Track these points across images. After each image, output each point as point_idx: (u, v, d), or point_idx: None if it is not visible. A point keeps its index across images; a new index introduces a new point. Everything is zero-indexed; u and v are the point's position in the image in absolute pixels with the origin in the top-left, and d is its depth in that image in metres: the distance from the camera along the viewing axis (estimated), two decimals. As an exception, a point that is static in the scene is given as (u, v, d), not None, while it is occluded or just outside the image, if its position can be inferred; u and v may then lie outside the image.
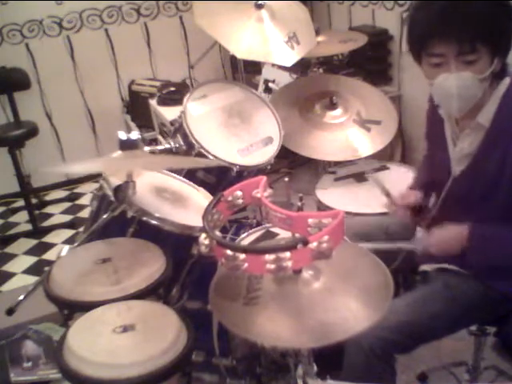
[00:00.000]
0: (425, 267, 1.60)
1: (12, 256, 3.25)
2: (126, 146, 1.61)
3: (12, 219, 3.70)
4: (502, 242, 1.43)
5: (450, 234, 1.48)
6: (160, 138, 3.15)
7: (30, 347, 2.02)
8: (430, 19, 1.34)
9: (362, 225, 1.71)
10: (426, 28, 1.36)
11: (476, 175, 1.46)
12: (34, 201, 3.70)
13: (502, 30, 1.33)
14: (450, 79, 1.34)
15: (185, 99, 2.02)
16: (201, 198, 1.90)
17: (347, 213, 1.91)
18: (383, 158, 2.34)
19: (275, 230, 1.74)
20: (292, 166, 3.65)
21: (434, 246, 1.50)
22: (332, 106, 2.35)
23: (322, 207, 2.04)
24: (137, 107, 3.77)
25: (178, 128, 2.03)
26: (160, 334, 1.24)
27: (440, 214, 1.60)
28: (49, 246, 3.31)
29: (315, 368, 1.19)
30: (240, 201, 1.18)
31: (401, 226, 1.71)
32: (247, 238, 1.74)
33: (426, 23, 1.36)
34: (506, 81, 1.41)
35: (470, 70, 1.33)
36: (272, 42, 2.24)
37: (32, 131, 3.40)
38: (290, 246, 0.96)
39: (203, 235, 1.05)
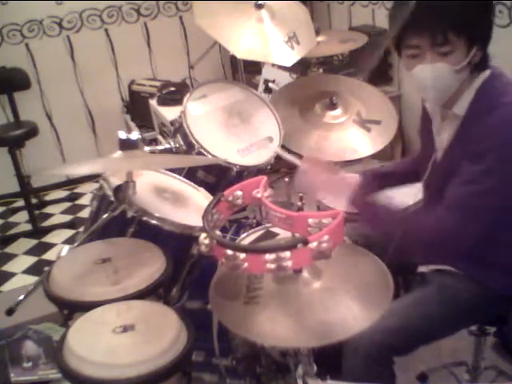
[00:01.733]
0: (422, 269, 1.59)
1: (12, 256, 3.25)
2: (126, 145, 1.61)
3: (12, 219, 3.70)
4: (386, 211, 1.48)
5: (339, 180, 1.56)
6: (160, 137, 3.15)
7: (30, 347, 2.02)
8: (405, 11, 1.35)
9: (363, 233, 1.70)
10: (401, 20, 1.37)
11: (447, 164, 1.47)
12: (34, 201, 3.70)
13: (476, 21, 1.33)
14: (425, 70, 1.37)
15: (185, 99, 2.02)
16: (201, 197, 1.90)
17: (347, 213, 1.90)
18: (383, 158, 2.34)
19: (275, 230, 1.74)
20: (292, 166, 3.65)
21: (321, 179, 1.58)
22: (332, 105, 2.34)
23: (321, 207, 2.04)
24: (137, 107, 3.77)
25: (178, 128, 2.03)
26: (160, 333, 1.24)
27: (424, 204, 1.63)
28: (49, 246, 3.31)
29: (315, 368, 1.19)
30: (240, 201, 1.18)
31: None
32: (247, 238, 1.74)
33: (401, 15, 1.37)
34: (486, 73, 1.41)
35: (445, 62, 1.34)
36: (272, 42, 2.24)
37: (32, 131, 3.40)
38: (290, 246, 0.96)
39: (203, 235, 1.05)
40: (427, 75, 1.37)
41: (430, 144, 1.58)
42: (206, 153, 1.90)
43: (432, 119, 1.56)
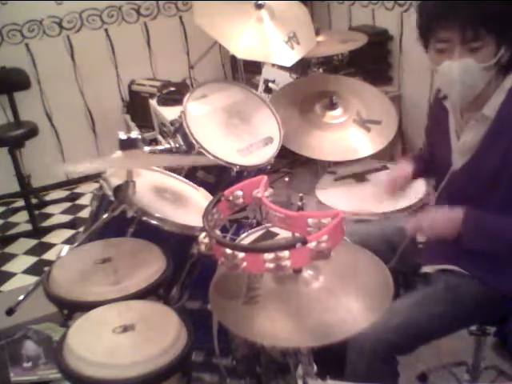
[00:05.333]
0: (426, 269, 1.59)
1: (12, 256, 3.25)
2: (126, 145, 1.61)
3: (12, 219, 3.70)
4: (497, 227, 1.42)
5: (444, 217, 1.46)
6: (160, 138, 3.15)
7: (30, 347, 2.02)
8: (436, 5, 1.36)
9: (361, 233, 1.70)
10: (432, 13, 1.38)
11: (477, 168, 1.46)
12: (34, 201, 3.70)
13: (508, 18, 1.33)
14: (453, 66, 1.35)
15: (185, 99, 2.02)
16: (201, 198, 1.90)
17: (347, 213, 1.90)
18: (383, 157, 2.34)
19: (275, 230, 1.74)
20: (292, 166, 3.65)
21: (426, 225, 1.49)
22: (332, 105, 2.34)
23: (321, 207, 2.04)
24: (137, 107, 3.77)
25: (178, 128, 2.03)
26: (160, 333, 1.24)
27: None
28: (49, 246, 3.31)
29: (315, 368, 1.19)
30: (240, 200, 1.18)
31: (402, 235, 1.70)
32: (247, 238, 1.74)
33: (432, 8, 1.38)
34: None
35: (474, 58, 1.33)
36: (272, 41, 2.24)
37: (32, 131, 3.40)
38: (289, 246, 0.96)
39: (203, 234, 1.05)
40: (454, 71, 1.35)
41: (444, 145, 1.57)
42: (205, 153, 1.90)
43: (449, 120, 1.56)
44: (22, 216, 3.64)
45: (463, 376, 1.82)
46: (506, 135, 1.39)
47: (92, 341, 1.23)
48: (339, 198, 2.06)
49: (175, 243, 1.65)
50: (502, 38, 1.33)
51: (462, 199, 1.49)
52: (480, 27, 1.30)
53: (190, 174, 1.99)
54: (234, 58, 3.78)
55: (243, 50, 2.18)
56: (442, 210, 1.49)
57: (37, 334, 2.05)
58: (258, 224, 1.91)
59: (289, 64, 2.28)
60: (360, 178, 2.20)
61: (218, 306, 1.13)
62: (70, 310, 1.44)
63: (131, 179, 1.63)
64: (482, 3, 1.30)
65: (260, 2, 2.27)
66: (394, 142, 2.30)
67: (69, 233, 3.43)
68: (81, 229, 3.20)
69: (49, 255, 3.21)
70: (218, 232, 1.06)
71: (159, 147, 2.02)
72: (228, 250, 0.99)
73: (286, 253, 0.96)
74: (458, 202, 1.49)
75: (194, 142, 1.91)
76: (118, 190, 1.66)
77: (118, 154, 1.63)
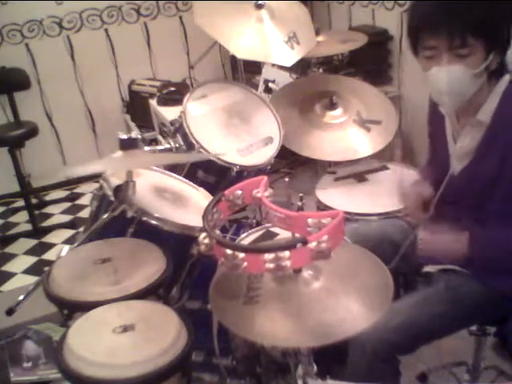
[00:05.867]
0: (427, 268, 1.60)
1: (12, 256, 3.25)
2: (127, 145, 1.61)
3: (12, 219, 3.70)
4: (503, 245, 1.42)
5: (450, 241, 1.46)
6: (160, 138, 3.15)
7: (30, 347, 2.02)
8: (423, 12, 1.36)
9: (361, 234, 1.70)
10: (419, 20, 1.38)
11: (475, 172, 1.46)
12: (34, 201, 3.70)
13: (495, 24, 1.32)
14: (441, 72, 1.35)
15: (185, 99, 2.02)
16: (201, 198, 1.90)
17: (347, 213, 1.90)
18: (383, 157, 2.34)
19: (275, 230, 1.74)
20: (292, 166, 3.65)
21: (433, 251, 1.50)
22: (332, 105, 2.35)
23: (321, 207, 2.04)
24: (137, 107, 3.77)
25: (178, 128, 2.03)
26: (160, 333, 1.24)
27: (437, 213, 1.60)
28: (49, 246, 3.31)
29: (315, 368, 1.19)
30: (240, 200, 1.18)
31: (404, 235, 1.70)
32: (247, 238, 1.74)
33: (419, 16, 1.38)
34: (506, 78, 1.41)
35: (463, 64, 1.33)
36: (272, 42, 2.24)
37: (32, 131, 3.40)
38: (289, 246, 0.96)
39: (203, 234, 1.05)
40: (443, 77, 1.35)
41: (442, 150, 1.57)
42: (206, 153, 1.90)
43: (446, 124, 1.55)
44: (22, 216, 3.64)
45: (463, 376, 1.82)
46: (502, 139, 1.39)
47: (92, 341, 1.22)
48: (339, 198, 2.06)
49: (175, 243, 1.65)
50: (491, 45, 1.32)
51: (460, 203, 1.49)
52: (467, 34, 1.29)
53: (190, 174, 1.99)
54: (234, 58, 3.78)
55: (243, 50, 2.18)
56: (445, 237, 1.47)
57: (37, 334, 2.05)
58: (258, 224, 1.91)
59: (289, 64, 2.28)
60: (360, 177, 2.21)
61: (218, 306, 1.13)
62: (70, 310, 1.44)
63: (131, 179, 1.63)
64: (468, 11, 1.29)
65: (260, 2, 2.27)
66: (394, 142, 2.31)
67: (69, 233, 3.43)
68: (81, 229, 3.20)
69: (49, 255, 3.21)
70: (218, 232, 1.06)
71: (159, 147, 2.02)
72: (228, 251, 0.99)
73: (287, 253, 0.96)
74: (456, 206, 1.49)
75: (193, 141, 1.91)
76: (118, 189, 1.66)
77: (118, 153, 1.63)
